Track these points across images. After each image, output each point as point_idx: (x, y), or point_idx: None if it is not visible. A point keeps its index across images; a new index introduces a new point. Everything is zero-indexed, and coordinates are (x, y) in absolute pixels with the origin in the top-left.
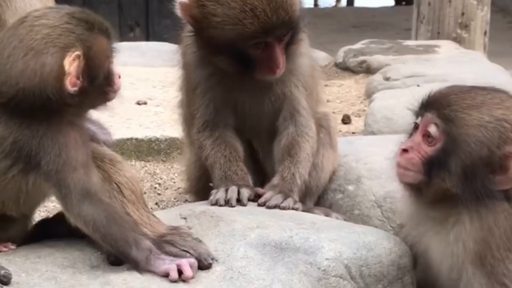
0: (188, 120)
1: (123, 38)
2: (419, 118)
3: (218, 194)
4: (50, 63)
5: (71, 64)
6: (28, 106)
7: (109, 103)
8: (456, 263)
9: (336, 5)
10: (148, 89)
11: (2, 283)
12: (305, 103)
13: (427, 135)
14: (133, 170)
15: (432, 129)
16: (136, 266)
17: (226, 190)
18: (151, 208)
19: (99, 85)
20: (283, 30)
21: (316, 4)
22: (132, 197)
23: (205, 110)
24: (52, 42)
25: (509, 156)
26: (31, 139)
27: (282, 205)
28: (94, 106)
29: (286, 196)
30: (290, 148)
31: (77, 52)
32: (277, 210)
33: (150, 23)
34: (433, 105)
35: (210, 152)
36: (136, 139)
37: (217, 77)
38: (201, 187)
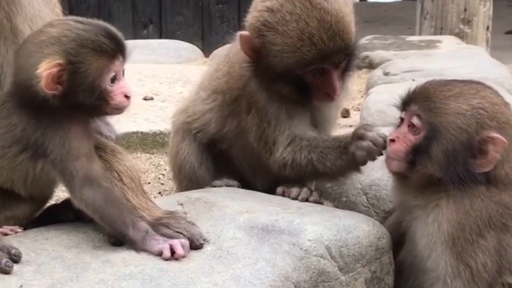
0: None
1: (137, 35)
2: (403, 112)
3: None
4: (33, 64)
5: (46, 69)
6: (32, 98)
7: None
8: (429, 242)
9: None
10: (155, 85)
11: (13, 261)
12: (336, 122)
13: (412, 126)
14: (134, 160)
15: (415, 120)
16: (133, 245)
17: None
18: (155, 197)
19: (89, 97)
20: (339, 56)
21: None
22: (131, 185)
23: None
24: (42, 48)
25: (487, 140)
26: (37, 129)
27: (301, 196)
28: (92, 114)
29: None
30: None
31: (58, 61)
32: (267, 197)
33: (163, 21)
34: (414, 98)
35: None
36: (142, 132)
37: (276, 98)
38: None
